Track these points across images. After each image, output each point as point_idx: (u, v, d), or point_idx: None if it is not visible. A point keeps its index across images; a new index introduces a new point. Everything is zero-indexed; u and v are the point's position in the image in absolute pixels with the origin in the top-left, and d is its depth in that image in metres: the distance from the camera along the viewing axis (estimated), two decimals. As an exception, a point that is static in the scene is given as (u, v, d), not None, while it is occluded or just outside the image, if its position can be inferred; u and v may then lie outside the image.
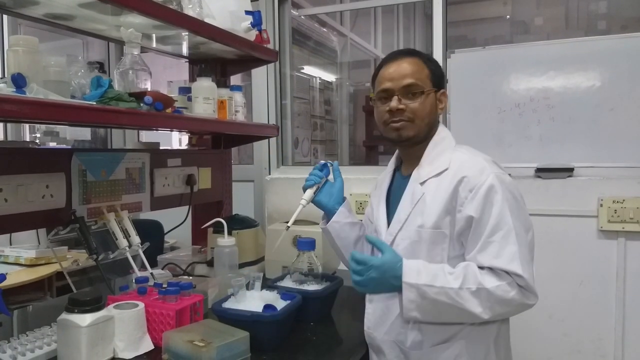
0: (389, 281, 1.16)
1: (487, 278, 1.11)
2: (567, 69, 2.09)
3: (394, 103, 1.25)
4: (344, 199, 1.45)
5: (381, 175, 1.46)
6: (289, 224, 1.37)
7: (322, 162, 1.47)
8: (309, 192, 1.41)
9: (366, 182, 2.30)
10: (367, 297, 1.29)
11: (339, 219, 1.41)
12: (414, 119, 1.25)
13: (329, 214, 1.44)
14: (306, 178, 1.44)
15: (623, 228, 1.93)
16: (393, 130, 1.27)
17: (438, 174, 1.22)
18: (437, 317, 1.17)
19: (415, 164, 1.29)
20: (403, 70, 1.25)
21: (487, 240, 1.13)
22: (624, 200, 1.92)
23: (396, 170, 1.41)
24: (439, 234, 1.19)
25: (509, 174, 1.23)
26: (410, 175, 1.29)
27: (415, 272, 1.14)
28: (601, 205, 1.95)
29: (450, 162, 1.23)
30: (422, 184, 1.24)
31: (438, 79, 1.29)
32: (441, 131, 1.31)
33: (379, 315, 1.26)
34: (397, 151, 1.41)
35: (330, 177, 1.47)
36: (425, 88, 1.25)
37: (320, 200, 1.43)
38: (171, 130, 2.45)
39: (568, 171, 2.03)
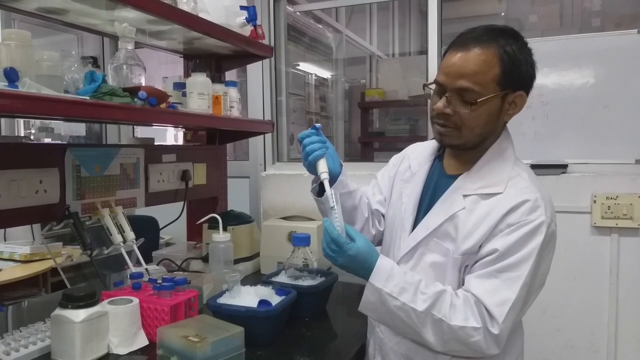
0: (358, 272, 1.05)
1: (456, 316, 1.00)
2: (561, 66, 2.10)
3: (440, 104, 1.05)
4: (341, 163, 1.30)
5: (409, 150, 1.29)
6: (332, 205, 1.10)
7: (317, 125, 1.28)
8: (324, 163, 1.21)
9: (362, 179, 2.28)
10: None
11: (338, 190, 1.22)
12: (461, 127, 1.04)
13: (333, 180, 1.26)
14: (308, 149, 1.21)
15: (616, 224, 1.94)
16: (436, 132, 1.10)
17: (488, 195, 1.05)
18: (391, 327, 1.10)
19: (463, 165, 1.12)
20: (463, 66, 1.01)
21: (494, 273, 1.00)
22: (617, 196, 1.93)
23: (437, 159, 1.22)
24: (468, 259, 1.06)
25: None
26: (455, 177, 1.12)
27: (385, 276, 1.03)
28: (595, 202, 1.96)
29: (506, 186, 1.05)
30: (465, 196, 1.07)
31: (514, 77, 1.03)
32: (503, 140, 1.11)
33: None
34: None
35: None
36: (485, 95, 1.01)
37: (329, 167, 1.23)
38: (165, 126, 2.45)
39: (562, 167, 2.04)
